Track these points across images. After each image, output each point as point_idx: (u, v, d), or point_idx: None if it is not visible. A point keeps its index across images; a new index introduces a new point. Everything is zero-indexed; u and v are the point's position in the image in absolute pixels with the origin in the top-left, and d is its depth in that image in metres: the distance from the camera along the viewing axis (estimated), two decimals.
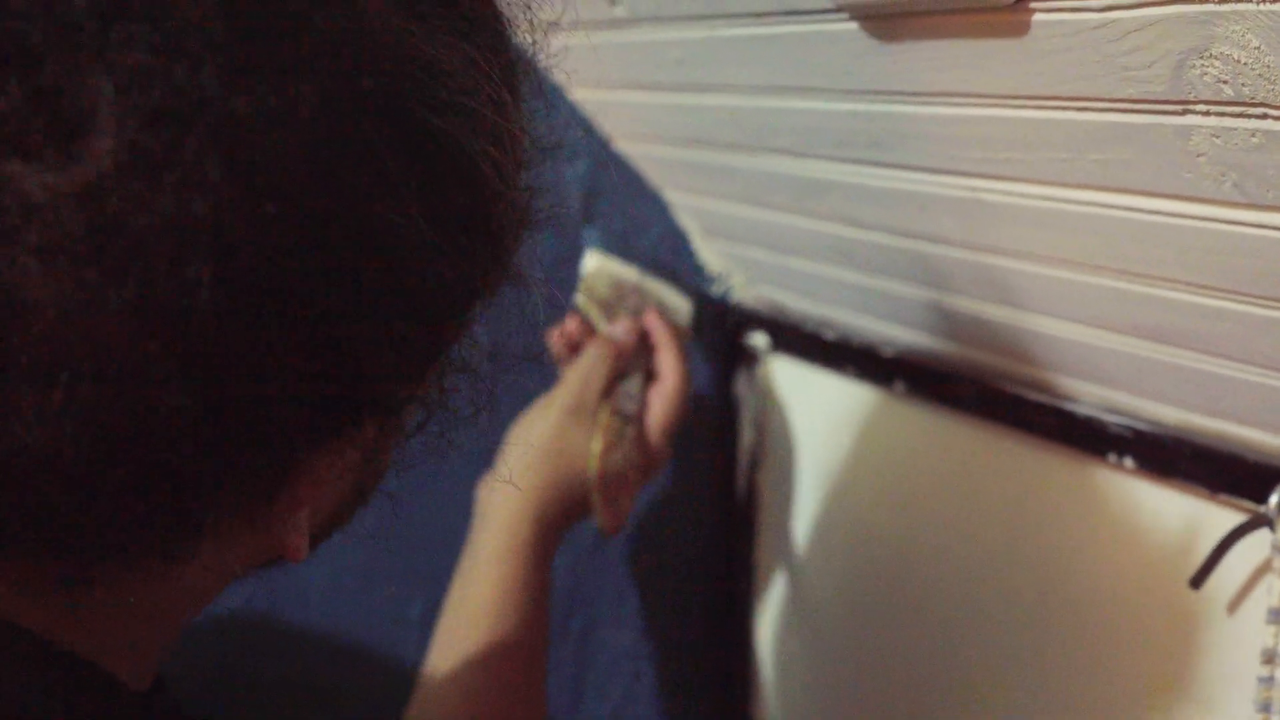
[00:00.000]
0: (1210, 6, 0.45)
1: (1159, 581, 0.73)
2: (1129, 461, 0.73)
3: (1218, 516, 0.69)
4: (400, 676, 0.88)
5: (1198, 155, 0.51)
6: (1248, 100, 0.47)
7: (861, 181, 0.75)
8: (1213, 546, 0.68)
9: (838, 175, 0.76)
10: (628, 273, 0.94)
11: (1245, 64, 0.45)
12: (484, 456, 0.86)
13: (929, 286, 0.80)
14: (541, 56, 0.49)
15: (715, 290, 1.05)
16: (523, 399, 0.88)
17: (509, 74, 0.45)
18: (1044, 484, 0.81)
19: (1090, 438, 0.76)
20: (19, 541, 0.39)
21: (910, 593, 0.94)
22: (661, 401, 0.88)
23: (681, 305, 0.97)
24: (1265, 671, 0.65)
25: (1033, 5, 0.52)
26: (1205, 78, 0.47)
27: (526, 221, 0.46)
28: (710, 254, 1.04)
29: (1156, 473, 0.72)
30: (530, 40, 0.48)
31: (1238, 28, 0.45)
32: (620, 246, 0.98)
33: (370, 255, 0.38)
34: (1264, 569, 0.67)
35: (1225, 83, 0.47)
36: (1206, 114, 0.49)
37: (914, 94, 0.63)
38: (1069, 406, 0.77)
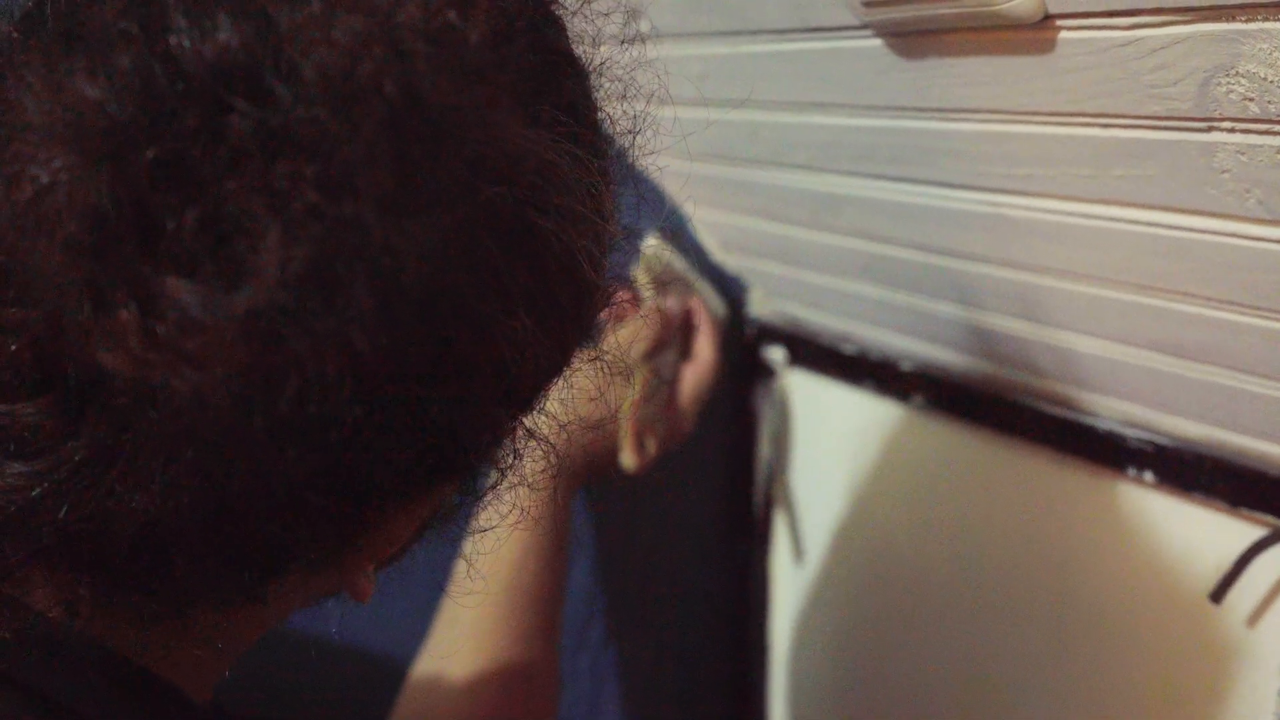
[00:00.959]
0: (1237, 25, 0.45)
1: (1179, 596, 0.73)
2: (1149, 476, 0.74)
3: (1238, 531, 0.69)
4: (399, 674, 0.88)
5: (1222, 171, 0.52)
6: (1273, 118, 0.47)
7: (882, 196, 0.75)
8: (1233, 561, 0.68)
9: (857, 190, 0.77)
10: (679, 261, 0.97)
11: (1271, 81, 0.46)
12: None
13: (949, 301, 0.80)
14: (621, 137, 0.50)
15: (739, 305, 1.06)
16: None
17: (606, 171, 0.47)
18: (1063, 498, 0.81)
19: (1110, 452, 0.76)
20: (132, 587, 0.43)
21: (929, 608, 0.94)
22: (694, 376, 0.91)
23: (718, 307, 0.99)
24: None
25: (1059, 23, 0.52)
26: (1231, 95, 0.48)
27: (607, 303, 0.48)
28: (729, 268, 1.05)
29: (1177, 487, 0.72)
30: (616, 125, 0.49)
31: (1264, 46, 0.45)
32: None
33: (482, 358, 0.41)
34: None
35: (1251, 100, 0.47)
36: (1231, 131, 0.50)
37: (937, 110, 0.64)
38: (1089, 421, 0.77)
